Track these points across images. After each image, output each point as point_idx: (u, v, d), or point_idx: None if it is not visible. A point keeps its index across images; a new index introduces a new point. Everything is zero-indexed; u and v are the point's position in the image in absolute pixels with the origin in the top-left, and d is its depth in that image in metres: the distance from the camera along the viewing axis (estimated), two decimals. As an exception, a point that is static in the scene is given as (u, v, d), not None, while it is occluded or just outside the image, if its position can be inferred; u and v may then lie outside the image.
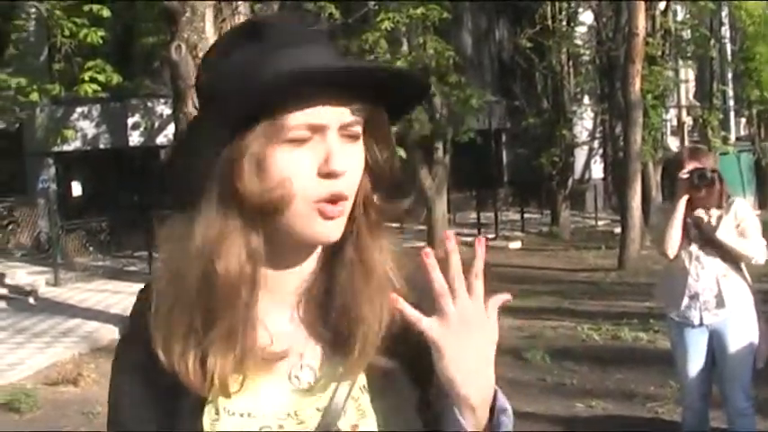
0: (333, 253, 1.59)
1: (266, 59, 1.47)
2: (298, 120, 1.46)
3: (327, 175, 1.48)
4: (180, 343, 1.49)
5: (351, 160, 1.51)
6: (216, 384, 1.50)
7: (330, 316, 1.58)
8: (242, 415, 1.53)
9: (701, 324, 6.31)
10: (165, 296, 1.52)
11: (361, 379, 1.59)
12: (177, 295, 1.50)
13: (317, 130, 1.47)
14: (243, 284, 1.50)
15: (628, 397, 9.23)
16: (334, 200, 1.50)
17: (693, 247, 6.22)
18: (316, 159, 1.48)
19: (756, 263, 6.17)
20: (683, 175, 6.10)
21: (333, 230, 1.52)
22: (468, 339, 1.49)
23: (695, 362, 6.41)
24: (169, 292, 1.51)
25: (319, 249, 1.60)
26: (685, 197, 6.12)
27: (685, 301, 6.28)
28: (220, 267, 1.48)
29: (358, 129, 1.52)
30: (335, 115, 1.48)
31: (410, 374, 1.61)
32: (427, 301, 1.51)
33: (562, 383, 9.91)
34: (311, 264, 1.60)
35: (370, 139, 1.56)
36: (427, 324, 1.48)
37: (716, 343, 6.33)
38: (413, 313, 1.49)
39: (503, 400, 1.58)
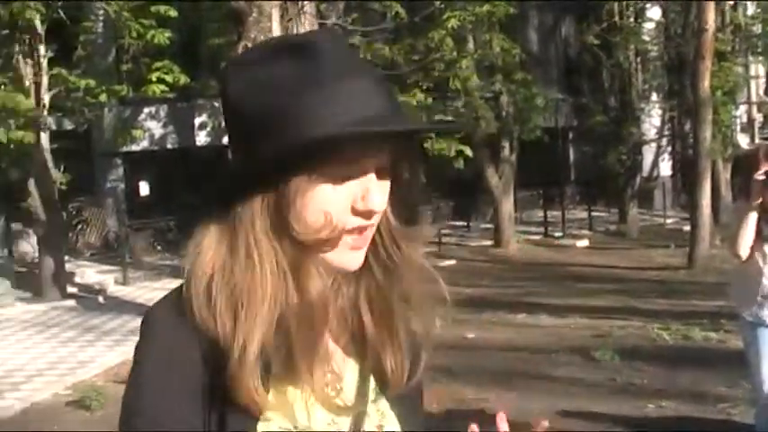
0: (356, 276, 1.61)
1: (321, 93, 1.46)
2: (343, 160, 1.48)
3: (364, 212, 1.51)
4: (252, 366, 1.47)
5: (383, 197, 1.54)
6: (281, 402, 1.52)
7: (350, 324, 1.63)
8: (295, 427, 1.54)
9: (775, 323, 6.21)
10: (222, 297, 1.49)
11: (372, 382, 1.65)
12: (247, 313, 1.48)
13: (358, 167, 1.50)
14: (320, 306, 1.53)
15: (699, 398, 9.07)
16: (362, 231, 1.54)
17: (767, 248, 6.13)
18: (352, 196, 1.50)
19: None
20: (759, 176, 5.99)
21: (357, 259, 1.56)
22: None
23: (769, 362, 6.31)
24: (224, 298, 1.49)
25: None
26: (759, 199, 6.03)
27: (758, 300, 6.20)
28: (303, 290, 1.51)
29: (386, 165, 1.54)
30: (376, 159, 1.51)
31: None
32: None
33: (632, 383, 9.79)
34: (336, 281, 1.62)
35: (396, 169, 1.58)
36: None
37: (789, 342, 6.24)
38: None
39: None
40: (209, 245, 1.53)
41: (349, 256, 1.54)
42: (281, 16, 12.41)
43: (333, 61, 1.48)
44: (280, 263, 1.50)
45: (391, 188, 1.56)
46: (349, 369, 1.63)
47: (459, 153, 19.89)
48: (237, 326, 1.47)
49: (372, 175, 1.51)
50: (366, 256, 1.58)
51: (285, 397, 1.53)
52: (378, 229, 1.58)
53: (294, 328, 1.49)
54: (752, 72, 38.10)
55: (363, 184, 1.50)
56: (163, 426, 1.48)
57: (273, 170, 1.47)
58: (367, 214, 1.51)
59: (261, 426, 1.51)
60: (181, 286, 1.55)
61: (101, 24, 22.09)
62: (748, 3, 33.13)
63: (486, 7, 20.89)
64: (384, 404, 1.65)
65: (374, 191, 1.50)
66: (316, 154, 1.45)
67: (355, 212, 1.51)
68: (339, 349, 1.63)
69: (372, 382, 1.64)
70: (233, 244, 1.51)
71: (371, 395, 1.64)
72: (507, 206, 24.33)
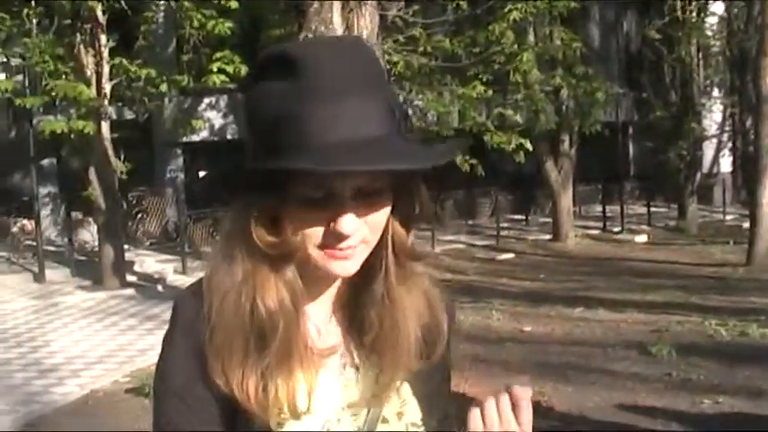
0: (363, 284, 1.66)
1: (300, 114, 1.48)
2: (316, 185, 1.50)
3: (336, 235, 1.52)
4: (237, 370, 1.55)
5: (366, 217, 1.54)
6: (286, 411, 1.57)
7: (367, 316, 1.67)
8: (307, 414, 1.60)
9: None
10: (219, 322, 1.57)
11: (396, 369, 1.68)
12: (230, 324, 1.56)
13: (331, 194, 1.51)
14: (284, 314, 1.57)
15: (756, 395, 9.01)
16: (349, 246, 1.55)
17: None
18: (327, 217, 1.52)
19: None
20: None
21: (348, 267, 1.57)
22: None
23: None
24: (222, 320, 1.57)
25: None
26: None
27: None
28: (261, 303, 1.56)
29: (378, 186, 1.54)
30: (351, 183, 1.51)
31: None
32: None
33: (688, 379, 9.73)
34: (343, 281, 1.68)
35: (397, 188, 1.59)
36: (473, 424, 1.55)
37: None
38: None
39: None
40: (214, 256, 1.63)
41: (336, 264, 1.56)
42: (342, 8, 12.47)
43: (320, 78, 1.48)
44: (246, 273, 1.57)
45: (395, 205, 1.59)
46: (368, 359, 1.68)
47: (520, 146, 19.83)
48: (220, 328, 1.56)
49: (346, 200, 1.51)
50: (371, 264, 1.62)
51: (309, 386, 1.59)
52: (380, 242, 1.61)
53: (257, 336, 1.56)
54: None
55: (336, 208, 1.51)
56: (187, 410, 1.58)
57: (256, 187, 1.53)
58: (338, 237, 1.52)
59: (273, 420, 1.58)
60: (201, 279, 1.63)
61: (161, 14, 22.23)
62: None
63: (547, 0, 20.82)
64: (407, 391, 1.70)
65: (345, 216, 1.51)
66: (284, 179, 1.50)
67: (328, 234, 1.53)
68: (356, 341, 1.68)
69: (398, 372, 1.67)
70: (226, 259, 1.60)
71: (397, 383, 1.68)
72: (566, 200, 24.24)
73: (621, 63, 34.67)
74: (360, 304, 1.68)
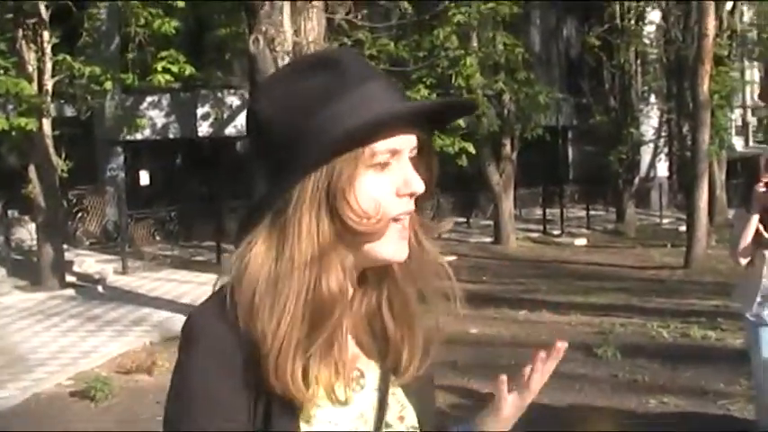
0: (379, 270, 1.70)
1: (352, 93, 1.60)
2: (382, 147, 1.59)
3: (407, 195, 1.61)
4: (286, 354, 1.56)
5: (421, 180, 1.64)
6: (322, 395, 1.61)
7: (372, 326, 1.73)
8: (329, 422, 1.64)
9: (775, 323, 6.33)
10: (264, 303, 1.58)
11: (390, 375, 1.75)
12: (279, 306, 1.57)
13: (396, 154, 1.61)
14: (342, 300, 1.60)
15: (699, 394, 9.18)
16: (404, 217, 1.63)
17: (767, 252, 6.28)
18: (395, 181, 1.61)
19: None
20: (760, 188, 6.13)
21: (405, 249, 1.65)
22: (517, 415, 1.85)
23: (770, 360, 6.44)
24: (267, 300, 1.58)
25: None
26: (757, 215, 6.20)
27: (758, 300, 6.33)
28: (326, 284, 1.58)
29: (415, 151, 1.65)
30: (408, 141, 1.63)
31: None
32: None
33: (634, 380, 9.88)
34: (363, 284, 1.73)
35: (418, 159, 1.66)
36: (509, 400, 1.82)
37: (789, 341, 6.36)
38: (504, 392, 1.82)
39: None
40: (255, 256, 1.60)
41: (398, 245, 1.63)
42: (291, 10, 12.49)
43: (356, 68, 1.63)
44: (313, 256, 1.58)
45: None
46: (371, 369, 1.72)
47: (462, 150, 19.96)
48: (272, 319, 1.57)
49: (407, 158, 1.62)
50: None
51: (319, 393, 1.62)
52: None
53: (312, 320, 1.58)
54: (747, 77, 38.34)
55: (403, 168, 1.61)
56: (211, 424, 1.56)
57: (321, 164, 1.57)
58: (410, 197, 1.61)
59: (303, 426, 1.61)
60: (220, 291, 1.63)
61: (106, 11, 22.02)
62: (745, 9, 33.35)
63: (490, 5, 20.99)
64: (402, 395, 1.75)
65: (413, 173, 1.62)
66: (358, 145, 1.57)
67: (399, 196, 1.61)
68: (361, 349, 1.73)
69: (392, 377, 1.73)
70: (279, 248, 1.59)
71: (391, 388, 1.73)
72: (508, 203, 24.41)
73: (562, 68, 35.01)
74: (371, 308, 1.74)
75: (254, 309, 1.57)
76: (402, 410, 1.74)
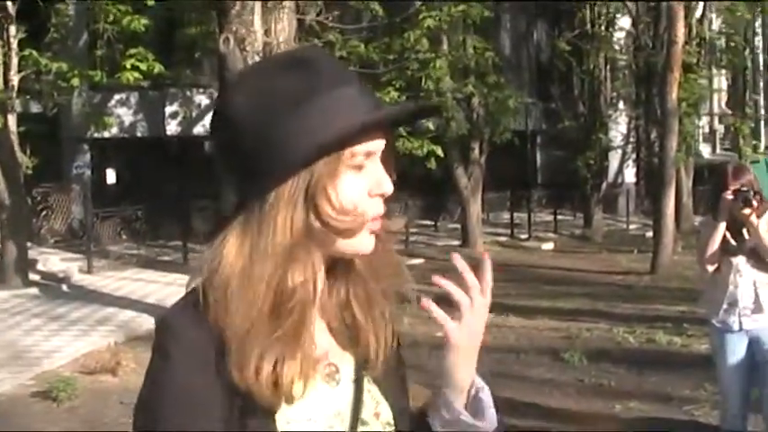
0: (347, 262, 1.72)
1: (328, 95, 1.62)
2: (361, 149, 1.62)
3: (380, 195, 1.65)
4: (254, 352, 1.56)
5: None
6: (282, 392, 1.59)
7: (344, 319, 1.74)
8: (308, 420, 1.63)
9: (741, 329, 6.40)
10: (233, 300, 1.58)
11: (364, 371, 1.75)
12: (246, 300, 1.58)
13: (370, 156, 1.64)
14: (306, 294, 1.61)
15: (665, 399, 9.24)
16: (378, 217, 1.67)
17: (733, 259, 6.31)
18: (369, 183, 1.64)
19: None
20: (728, 195, 6.16)
21: (372, 243, 1.68)
22: (475, 344, 1.74)
23: (735, 367, 6.48)
24: (236, 296, 1.58)
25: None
26: (724, 223, 6.23)
27: (724, 306, 6.36)
28: (290, 277, 1.59)
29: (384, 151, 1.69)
30: (380, 144, 1.66)
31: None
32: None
33: (600, 384, 9.93)
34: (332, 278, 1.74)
35: (385, 161, 1.69)
36: (451, 327, 1.69)
37: (755, 348, 6.41)
38: (440, 314, 1.68)
39: (480, 380, 1.79)
40: (228, 254, 1.60)
41: (367, 239, 1.66)
42: (262, 11, 12.46)
43: (331, 69, 1.66)
44: (283, 250, 1.59)
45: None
46: (346, 362, 1.73)
47: (431, 153, 19.96)
48: (238, 315, 1.57)
49: (380, 162, 1.66)
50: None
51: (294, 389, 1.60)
52: None
53: (276, 315, 1.58)
54: (715, 85, 38.66)
55: (377, 170, 1.65)
56: (187, 424, 1.55)
57: (302, 164, 1.58)
58: (381, 197, 1.65)
59: (281, 424, 1.59)
60: (193, 291, 1.62)
61: (74, 7, 21.84)
62: (714, 17, 33.63)
63: (461, 8, 21.02)
64: (377, 392, 1.75)
65: (385, 175, 1.65)
66: (342, 147, 1.59)
67: (372, 197, 1.64)
68: (336, 343, 1.73)
69: (365, 373, 1.74)
70: (253, 245, 1.60)
71: (366, 383, 1.74)
72: (475, 207, 24.44)
73: (532, 73, 35.09)
74: (341, 300, 1.75)
75: (225, 306, 1.57)
76: (377, 407, 1.74)
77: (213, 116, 1.68)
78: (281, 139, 1.59)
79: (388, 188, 1.65)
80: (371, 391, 1.74)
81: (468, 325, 1.70)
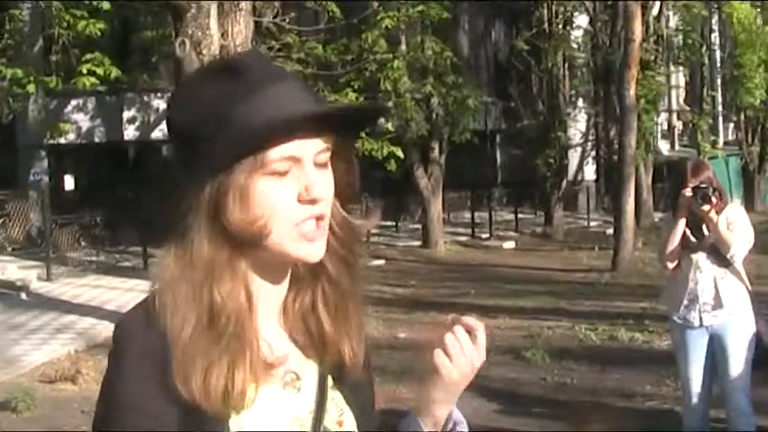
0: (312, 269, 1.69)
1: (249, 99, 1.59)
2: (278, 154, 1.57)
3: (309, 201, 1.59)
4: (197, 364, 1.56)
5: (325, 186, 1.62)
6: (229, 403, 1.57)
7: (308, 325, 1.72)
8: (261, 424, 1.62)
9: (701, 325, 6.42)
10: (174, 312, 1.58)
11: (329, 379, 1.74)
12: (179, 312, 1.58)
13: (296, 161, 1.59)
14: (237, 307, 1.60)
15: (627, 396, 9.27)
16: (317, 222, 1.62)
17: (694, 255, 6.34)
18: (296, 188, 1.59)
19: (732, 260, 6.25)
20: (687, 192, 6.19)
21: (317, 250, 1.63)
22: (462, 384, 1.74)
23: (696, 363, 6.51)
24: (176, 308, 1.58)
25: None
26: (683, 220, 6.27)
27: (685, 302, 6.39)
28: (217, 291, 1.58)
29: (327, 156, 1.63)
30: (310, 147, 1.60)
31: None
32: None
33: (563, 382, 9.95)
34: (289, 277, 1.72)
35: (337, 163, 1.66)
36: (441, 360, 1.70)
37: (716, 344, 6.43)
38: (430, 344, 1.71)
39: (458, 414, 1.80)
40: (168, 264, 1.61)
41: (307, 247, 1.61)
42: (218, 13, 12.39)
43: (258, 72, 1.61)
44: (205, 262, 1.59)
45: (335, 182, 1.65)
46: (309, 369, 1.71)
47: (390, 154, 19.96)
48: (175, 325, 1.57)
49: (310, 164, 1.60)
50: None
51: (257, 395, 1.60)
52: (331, 224, 1.66)
53: (212, 327, 1.58)
54: (673, 81, 38.92)
55: (304, 174, 1.59)
56: (140, 425, 1.55)
57: (218, 173, 1.57)
58: (311, 202, 1.59)
59: (233, 425, 1.58)
60: (148, 297, 1.62)
61: (28, 12, 21.66)
62: (671, 14, 33.87)
63: (419, 8, 21.03)
64: (341, 400, 1.74)
65: (315, 179, 1.59)
66: (254, 150, 1.56)
67: (301, 202, 1.59)
68: (299, 350, 1.71)
69: (330, 381, 1.73)
70: (182, 255, 1.60)
71: (330, 392, 1.72)
72: (436, 207, 24.47)
73: (490, 72, 35.19)
74: (305, 307, 1.72)
75: (166, 316, 1.57)
76: (341, 415, 1.73)
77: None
78: (201, 145, 1.58)
79: (317, 193, 1.59)
80: (335, 399, 1.72)
81: (459, 364, 1.70)
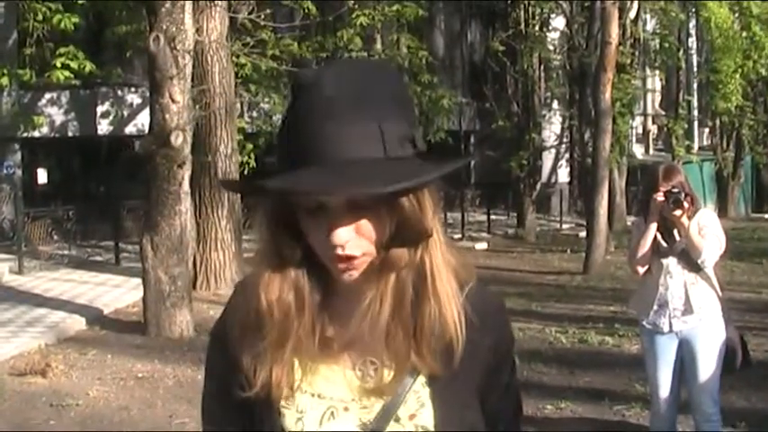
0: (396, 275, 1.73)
1: (299, 140, 1.63)
2: (309, 198, 1.65)
3: (331, 245, 1.64)
4: (247, 359, 1.76)
5: (358, 228, 1.64)
6: (276, 393, 1.75)
7: (402, 326, 1.74)
8: (312, 395, 1.76)
9: (671, 331, 6.43)
10: (234, 318, 1.83)
11: (422, 376, 1.76)
12: (240, 317, 1.79)
13: (323, 206, 1.63)
14: (281, 307, 1.72)
15: (595, 399, 9.25)
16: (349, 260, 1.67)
17: (664, 260, 6.36)
18: (323, 228, 1.64)
19: (703, 265, 6.27)
20: (658, 197, 6.21)
21: (350, 277, 1.69)
22: None
23: (665, 368, 6.52)
24: (235, 315, 1.83)
25: None
26: (654, 224, 6.30)
27: (655, 307, 6.40)
28: (263, 297, 1.73)
29: (372, 200, 1.63)
30: (338, 197, 1.63)
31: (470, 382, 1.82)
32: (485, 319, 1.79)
33: (531, 384, 9.94)
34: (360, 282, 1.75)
35: (387, 205, 1.66)
36: None
37: (685, 349, 6.44)
38: None
39: None
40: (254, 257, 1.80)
41: (341, 274, 1.69)
42: (193, 9, 12.36)
43: (322, 100, 1.62)
44: (262, 272, 1.75)
45: (397, 216, 1.67)
46: (396, 361, 1.74)
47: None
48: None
49: (338, 211, 1.62)
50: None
51: (318, 369, 1.77)
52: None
53: (258, 326, 1.74)
54: (648, 85, 39.08)
55: (330, 219, 1.63)
56: (221, 412, 1.88)
57: (276, 201, 1.72)
58: (333, 246, 1.63)
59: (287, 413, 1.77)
60: None
61: (2, 5, 21.55)
62: (648, 18, 33.96)
63: (395, 7, 21.05)
64: (426, 396, 1.76)
65: (339, 226, 1.62)
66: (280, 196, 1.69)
67: (328, 243, 1.65)
68: (372, 330, 1.73)
69: (422, 378, 1.75)
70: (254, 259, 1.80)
71: (416, 386, 1.75)
72: (408, 207, 24.45)
73: (465, 73, 35.21)
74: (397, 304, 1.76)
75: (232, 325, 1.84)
76: (419, 409, 1.75)
77: None
78: (276, 159, 1.68)
79: (335, 239, 1.62)
80: (419, 393, 1.76)
81: None
